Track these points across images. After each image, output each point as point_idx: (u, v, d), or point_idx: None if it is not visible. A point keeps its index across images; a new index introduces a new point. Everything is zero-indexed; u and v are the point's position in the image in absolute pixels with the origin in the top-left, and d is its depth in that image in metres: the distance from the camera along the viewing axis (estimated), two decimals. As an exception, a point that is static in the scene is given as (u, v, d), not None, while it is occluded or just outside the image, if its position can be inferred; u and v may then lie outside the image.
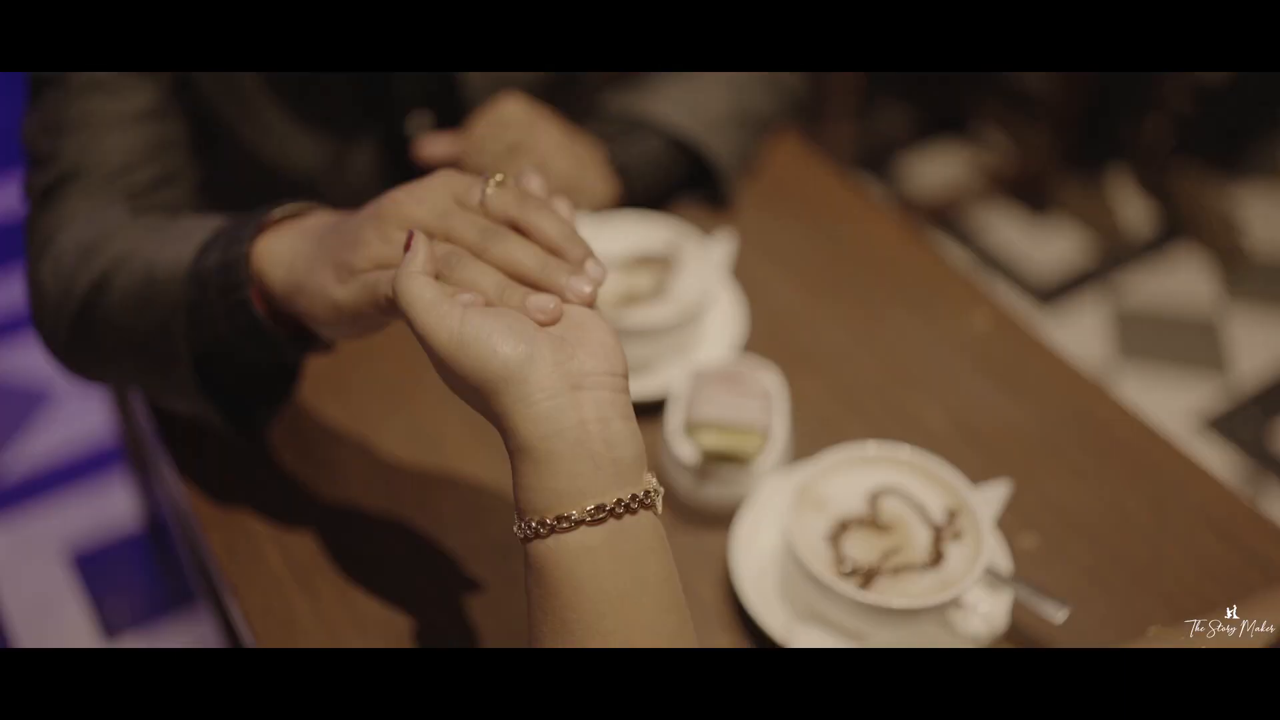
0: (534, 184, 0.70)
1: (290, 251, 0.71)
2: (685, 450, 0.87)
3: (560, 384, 0.58)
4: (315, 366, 0.96)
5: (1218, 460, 1.95)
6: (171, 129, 0.94)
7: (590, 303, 0.63)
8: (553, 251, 0.65)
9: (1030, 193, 2.46)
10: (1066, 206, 2.44)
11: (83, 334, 0.83)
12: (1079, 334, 2.19)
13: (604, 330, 0.62)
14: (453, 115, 1.06)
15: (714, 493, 0.87)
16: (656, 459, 0.91)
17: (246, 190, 0.96)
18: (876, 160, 2.56)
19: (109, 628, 1.69)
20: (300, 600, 0.82)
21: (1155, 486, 0.91)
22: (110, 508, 1.83)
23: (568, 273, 0.63)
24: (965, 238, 2.39)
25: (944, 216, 2.43)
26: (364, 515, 0.88)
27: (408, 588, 0.83)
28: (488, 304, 0.62)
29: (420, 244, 0.62)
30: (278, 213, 0.74)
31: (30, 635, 1.68)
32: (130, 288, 0.79)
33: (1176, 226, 2.40)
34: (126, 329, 0.80)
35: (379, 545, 0.86)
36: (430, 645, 0.80)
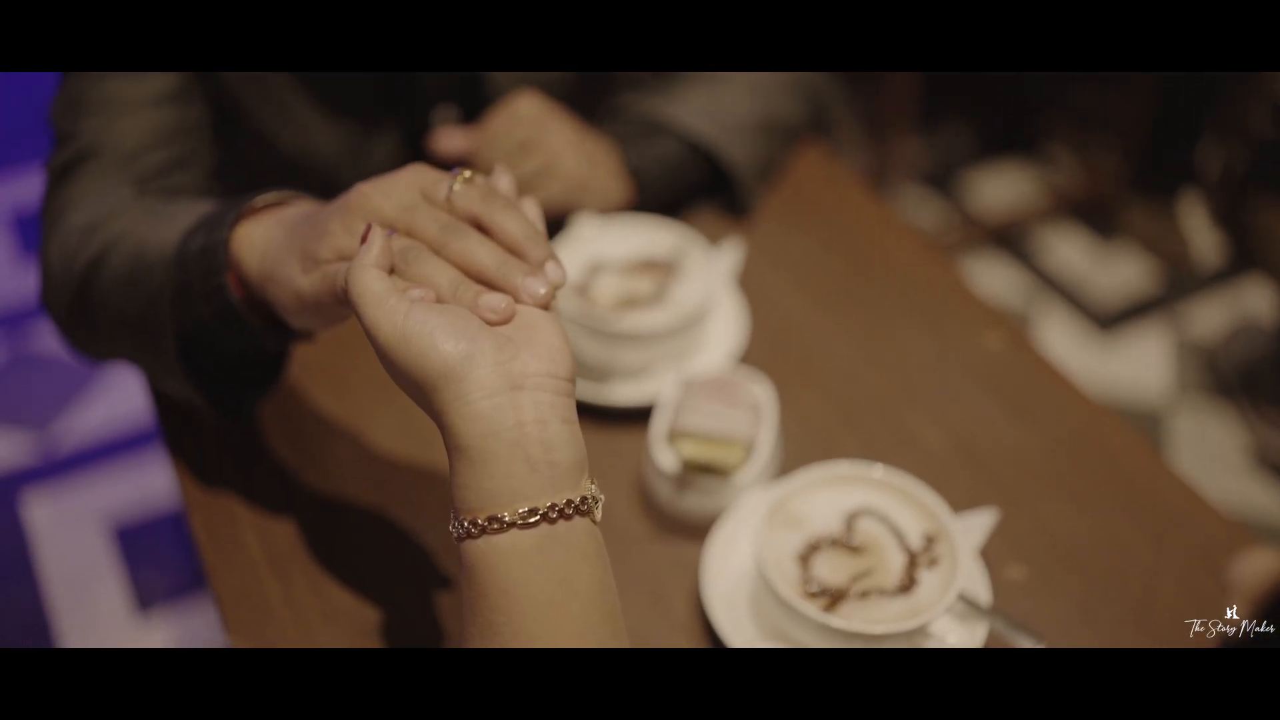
0: (503, 183, 0.69)
1: (265, 239, 0.71)
2: (667, 458, 0.85)
3: (500, 384, 0.58)
4: (311, 357, 0.96)
5: (1272, 501, 1.88)
6: (191, 113, 0.96)
7: (545, 304, 0.63)
8: (514, 251, 0.64)
9: (1097, 216, 2.40)
10: (1133, 232, 2.36)
11: (81, 311, 0.85)
12: (1140, 363, 2.13)
13: (554, 333, 0.61)
14: (478, 109, 1.06)
15: (694, 503, 0.85)
16: (641, 466, 0.90)
17: (265, 177, 0.96)
18: (941, 177, 2.51)
19: (143, 602, 1.73)
20: (273, 587, 0.83)
21: (1155, 520, 0.87)
22: (153, 483, 1.88)
23: (524, 273, 0.63)
24: (1027, 258, 2.34)
25: (1006, 236, 2.38)
26: (347, 507, 0.88)
27: (381, 581, 0.83)
28: (440, 300, 0.61)
29: (376, 237, 0.62)
30: (260, 200, 0.74)
31: (67, 606, 1.72)
32: (122, 268, 0.80)
33: (1247, 258, 2.32)
34: (119, 309, 0.81)
35: (359, 537, 0.86)
36: (397, 639, 0.80)
